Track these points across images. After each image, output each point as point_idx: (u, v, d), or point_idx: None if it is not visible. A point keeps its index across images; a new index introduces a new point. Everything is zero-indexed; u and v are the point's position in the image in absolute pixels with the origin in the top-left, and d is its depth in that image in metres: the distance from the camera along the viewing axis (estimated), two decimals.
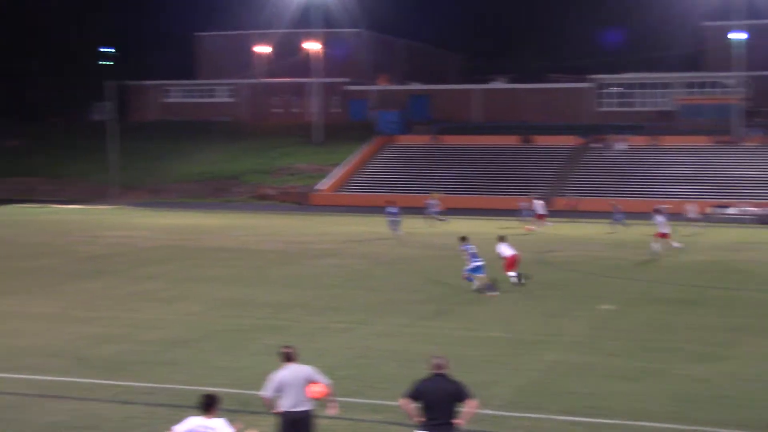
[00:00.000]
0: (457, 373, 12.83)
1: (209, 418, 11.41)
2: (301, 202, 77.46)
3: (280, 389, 12.59)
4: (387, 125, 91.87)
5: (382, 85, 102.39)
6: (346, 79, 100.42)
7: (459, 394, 12.19)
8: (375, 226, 53.10)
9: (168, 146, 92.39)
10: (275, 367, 12.99)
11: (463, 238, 30.44)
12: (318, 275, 33.59)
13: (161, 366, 19.43)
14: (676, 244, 41.93)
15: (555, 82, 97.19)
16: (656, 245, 41.07)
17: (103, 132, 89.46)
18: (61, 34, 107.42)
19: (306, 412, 12.61)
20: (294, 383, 12.56)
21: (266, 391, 12.71)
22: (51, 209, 72.48)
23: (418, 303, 27.55)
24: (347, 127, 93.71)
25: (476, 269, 29.31)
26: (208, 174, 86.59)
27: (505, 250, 31.08)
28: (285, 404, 12.56)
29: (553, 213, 60.43)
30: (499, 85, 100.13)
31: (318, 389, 12.67)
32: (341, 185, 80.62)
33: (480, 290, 29.06)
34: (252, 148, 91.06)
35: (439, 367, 12.35)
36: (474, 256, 29.41)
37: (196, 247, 43.03)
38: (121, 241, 45.81)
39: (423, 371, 12.81)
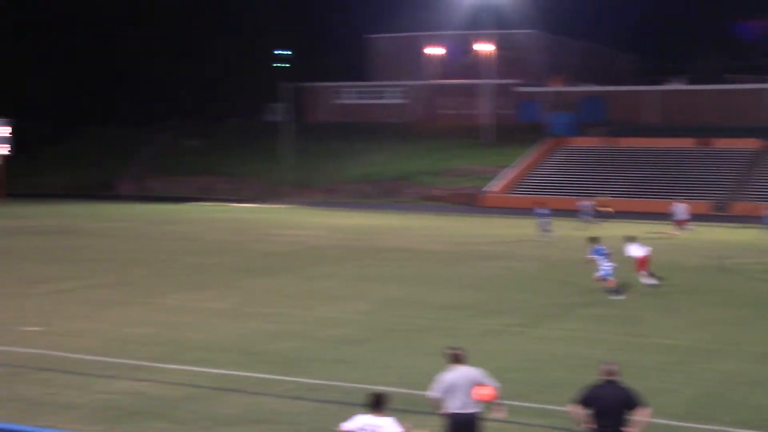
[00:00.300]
0: (627, 379, 12.56)
1: (378, 416, 11.51)
2: (470, 203, 77.40)
3: (447, 390, 12.58)
4: (559, 127, 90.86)
5: (554, 87, 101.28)
6: (517, 81, 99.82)
7: (630, 402, 11.92)
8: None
9: (340, 147, 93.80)
10: (443, 368, 13.00)
11: (593, 239, 30.34)
12: (487, 277, 33.48)
13: (332, 363, 19.71)
14: None
15: (734, 83, 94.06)
16: None
17: (278, 133, 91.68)
18: (239, 36, 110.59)
19: (473, 414, 12.56)
20: (461, 385, 12.52)
21: (434, 392, 12.73)
22: (227, 207, 74.68)
23: (589, 307, 27.11)
24: (517, 129, 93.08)
25: (607, 272, 28.92)
26: (378, 175, 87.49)
27: (635, 250, 30.75)
28: (452, 406, 12.53)
29: (732, 218, 58.52)
30: (676, 86, 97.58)
31: (486, 392, 12.61)
32: (511, 187, 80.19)
33: (608, 293, 28.63)
34: (422, 149, 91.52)
35: (609, 373, 12.11)
36: (607, 257, 29.13)
37: (367, 247, 43.52)
38: (295, 239, 46.76)
39: (593, 377, 12.59)
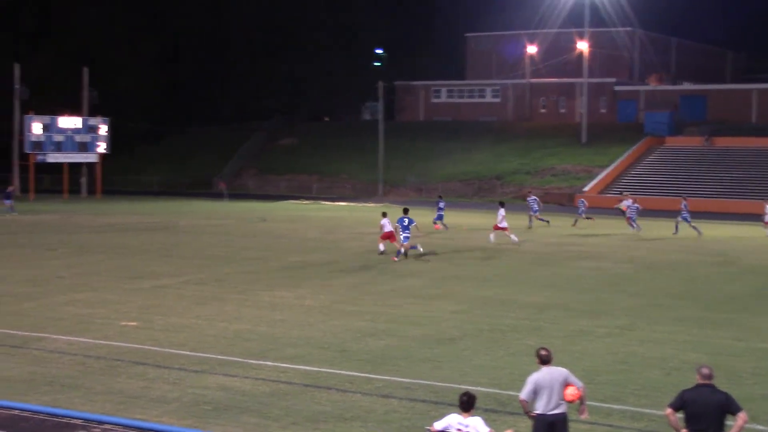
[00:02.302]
0: (724, 384, 12.26)
1: (467, 416, 11.47)
2: (564, 203, 76.70)
3: (535, 391, 12.47)
4: (655, 126, 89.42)
5: (652, 85, 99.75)
6: (614, 79, 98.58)
7: (728, 406, 11.64)
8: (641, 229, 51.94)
9: (434, 146, 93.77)
10: (534, 369, 12.87)
11: (405, 210, 38.26)
12: (578, 277, 33.09)
13: (422, 362, 19.66)
14: (513, 237, 43.07)
15: None
16: (492, 236, 44.22)
17: (372, 131, 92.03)
18: (335, 36, 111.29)
19: (561, 415, 12.43)
20: (549, 385, 12.39)
21: (522, 393, 12.60)
22: (321, 206, 75.25)
23: (685, 309, 26.57)
24: (614, 128, 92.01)
25: (405, 239, 37.11)
26: (472, 173, 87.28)
27: (386, 224, 38.00)
28: (539, 406, 12.42)
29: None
30: None
31: (571, 392, 12.47)
32: (606, 187, 79.23)
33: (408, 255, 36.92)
34: (517, 149, 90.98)
35: (705, 376, 11.84)
36: (405, 228, 37.13)
37: (458, 246, 43.37)
38: None
39: (688, 380, 12.31)
